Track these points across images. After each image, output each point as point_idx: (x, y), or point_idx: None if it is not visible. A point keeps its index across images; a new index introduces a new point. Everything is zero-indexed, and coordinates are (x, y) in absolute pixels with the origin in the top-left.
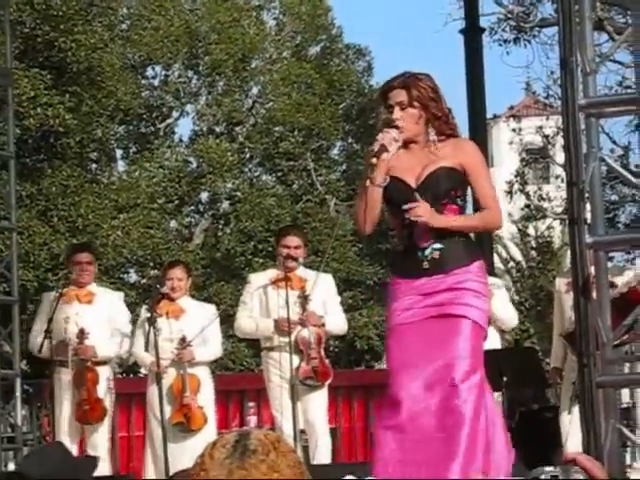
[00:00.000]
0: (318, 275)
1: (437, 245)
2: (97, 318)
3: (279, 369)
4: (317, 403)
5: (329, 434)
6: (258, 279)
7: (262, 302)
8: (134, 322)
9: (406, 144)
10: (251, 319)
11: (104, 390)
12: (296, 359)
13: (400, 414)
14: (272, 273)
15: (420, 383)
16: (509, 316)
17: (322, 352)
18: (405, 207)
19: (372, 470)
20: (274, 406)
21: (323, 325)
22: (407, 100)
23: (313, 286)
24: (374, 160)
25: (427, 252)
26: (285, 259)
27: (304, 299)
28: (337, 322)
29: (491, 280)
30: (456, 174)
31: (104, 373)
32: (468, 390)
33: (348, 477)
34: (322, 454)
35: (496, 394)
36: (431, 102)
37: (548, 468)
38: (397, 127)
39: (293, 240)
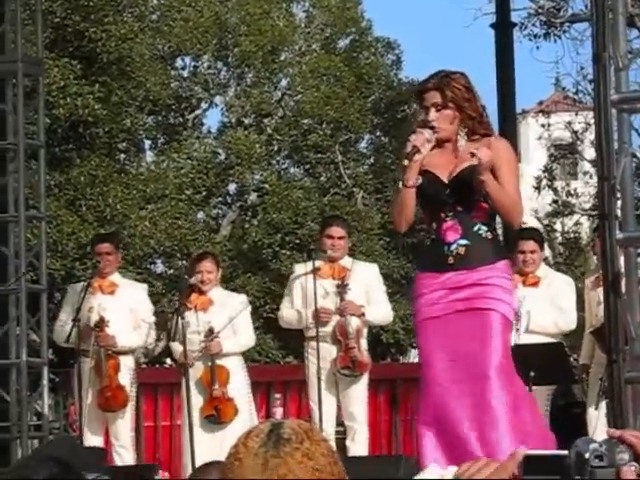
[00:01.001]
0: (362, 265)
1: (463, 241)
2: (119, 309)
3: (318, 358)
4: (357, 394)
5: (366, 427)
6: (301, 269)
7: (304, 292)
8: (161, 313)
9: (439, 143)
10: (292, 309)
11: (126, 378)
12: (335, 349)
13: (435, 409)
14: (316, 264)
15: (453, 377)
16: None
17: (362, 342)
18: (473, 151)
19: (421, 464)
20: (311, 396)
21: (363, 315)
22: (442, 101)
23: (355, 276)
24: (406, 162)
25: (453, 247)
26: (329, 249)
27: (343, 288)
28: (379, 312)
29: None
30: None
31: (126, 362)
32: (501, 384)
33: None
34: (360, 446)
35: None
36: (465, 102)
37: (592, 445)
38: (432, 127)
39: (337, 231)
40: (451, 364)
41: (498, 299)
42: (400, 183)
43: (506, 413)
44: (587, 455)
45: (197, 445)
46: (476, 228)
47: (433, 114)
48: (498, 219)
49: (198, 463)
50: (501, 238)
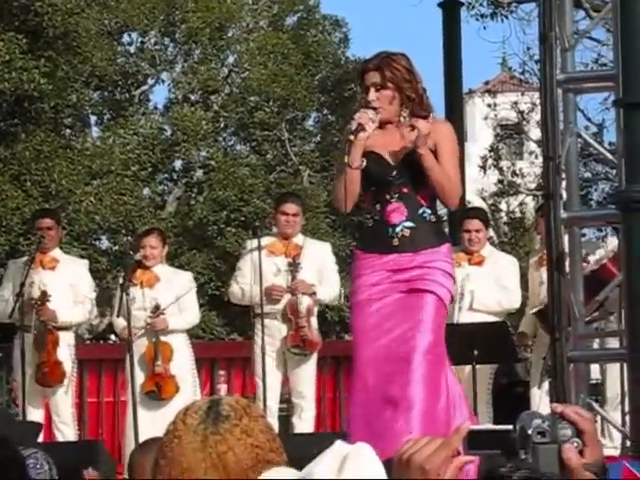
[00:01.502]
0: (314, 243)
1: (408, 223)
2: (60, 284)
3: (267, 336)
4: (306, 373)
5: (314, 404)
6: (253, 245)
7: (255, 268)
8: (104, 289)
9: (382, 124)
10: (242, 285)
11: (65, 354)
12: (285, 327)
13: (364, 389)
14: (268, 240)
15: (384, 357)
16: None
17: (312, 321)
18: (413, 122)
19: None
20: (257, 372)
21: (314, 294)
22: (381, 82)
23: (307, 254)
24: (351, 137)
25: (398, 229)
26: (283, 226)
27: (295, 267)
28: (330, 291)
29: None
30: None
31: (65, 338)
32: (428, 363)
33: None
34: (306, 423)
35: (467, 367)
36: (405, 83)
37: (535, 421)
38: (374, 108)
39: (291, 207)
40: (382, 345)
41: (437, 282)
42: (345, 159)
43: (422, 400)
44: (530, 431)
45: (138, 421)
46: (421, 211)
47: (373, 94)
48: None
49: (135, 440)
50: (446, 218)
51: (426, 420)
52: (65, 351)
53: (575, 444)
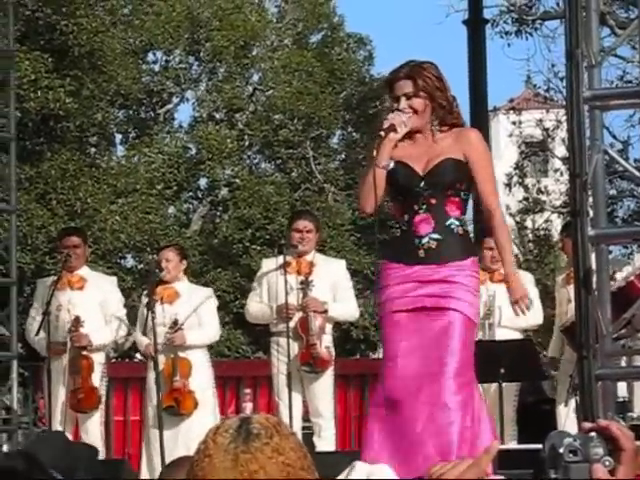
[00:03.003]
0: (328, 260)
1: (435, 235)
2: (89, 304)
3: (281, 355)
4: (321, 390)
5: (334, 422)
6: (269, 264)
7: (270, 287)
8: (131, 307)
9: (411, 134)
10: (258, 304)
11: (99, 377)
12: (297, 345)
13: (391, 404)
14: (283, 258)
15: (413, 372)
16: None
17: (325, 339)
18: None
19: (361, 454)
20: (276, 392)
21: (326, 312)
22: (414, 90)
23: (320, 271)
24: (382, 133)
25: (424, 240)
26: (297, 243)
27: (306, 285)
28: (344, 309)
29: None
30: (462, 166)
31: (98, 359)
32: (458, 386)
33: (358, 462)
34: (326, 442)
35: (493, 385)
36: (436, 91)
37: (567, 439)
38: (408, 113)
39: (305, 224)
40: (412, 359)
41: (464, 300)
42: (373, 160)
43: (460, 416)
44: (561, 450)
45: (155, 436)
46: (448, 222)
47: (404, 103)
48: (469, 215)
49: (161, 458)
50: (471, 235)
51: (461, 442)
52: (98, 372)
53: (607, 463)
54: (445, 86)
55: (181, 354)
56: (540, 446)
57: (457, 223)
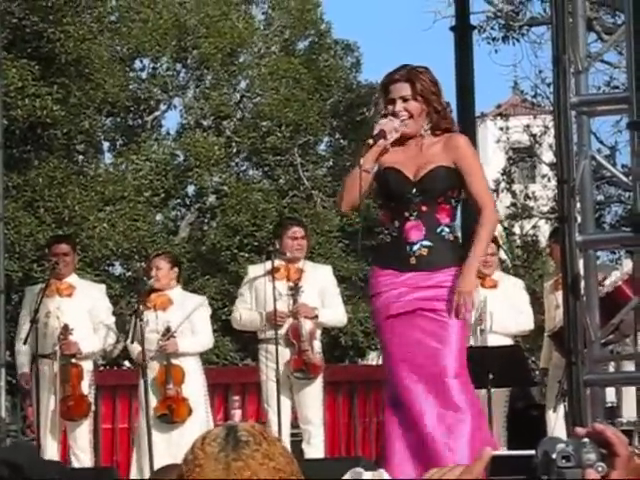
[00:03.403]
0: (315, 266)
1: (426, 242)
2: (78, 312)
3: (270, 361)
4: (311, 397)
5: (323, 429)
6: (255, 270)
7: (257, 294)
8: (119, 315)
9: (403, 140)
10: (245, 311)
11: (86, 382)
12: (288, 351)
13: (403, 408)
14: (270, 265)
15: (417, 377)
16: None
17: (315, 344)
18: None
19: (385, 462)
20: (265, 399)
21: (316, 317)
22: (411, 94)
23: (308, 278)
24: (370, 141)
25: (415, 247)
26: (294, 250)
27: (296, 291)
28: (333, 314)
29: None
30: (453, 173)
31: (87, 367)
32: (462, 385)
33: (357, 469)
34: (315, 449)
35: (482, 391)
36: (432, 96)
37: (559, 445)
38: (402, 119)
39: (300, 231)
40: (413, 361)
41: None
42: (358, 162)
43: (471, 414)
44: (554, 455)
45: (147, 446)
46: (439, 230)
47: (400, 105)
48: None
49: (150, 465)
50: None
51: (469, 438)
52: (87, 380)
53: (600, 468)
54: (440, 91)
55: (174, 361)
56: (532, 452)
57: (447, 230)
